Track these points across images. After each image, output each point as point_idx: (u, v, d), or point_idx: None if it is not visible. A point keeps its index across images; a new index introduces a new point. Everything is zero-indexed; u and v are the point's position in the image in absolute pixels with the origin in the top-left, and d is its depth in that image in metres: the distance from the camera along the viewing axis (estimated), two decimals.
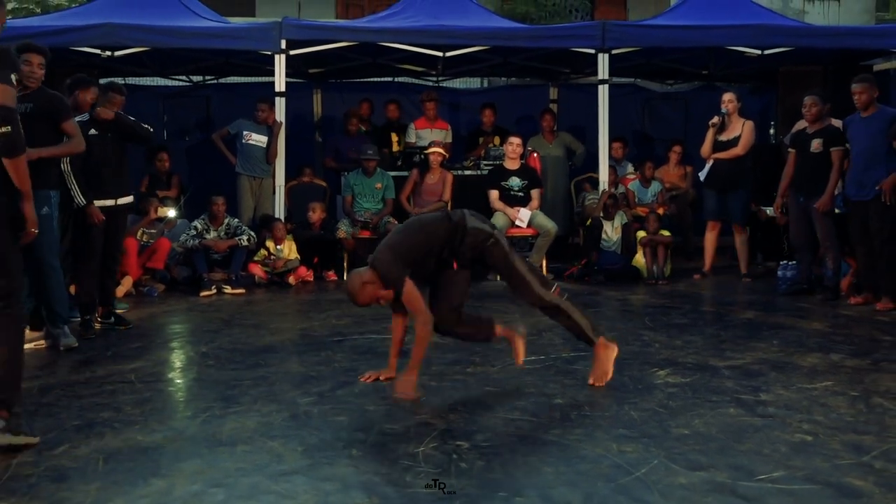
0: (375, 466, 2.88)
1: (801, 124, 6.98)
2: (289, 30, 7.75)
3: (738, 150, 7.32)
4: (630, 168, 9.22)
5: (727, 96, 7.48)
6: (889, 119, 6.02)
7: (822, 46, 8.19)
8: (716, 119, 7.43)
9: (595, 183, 8.51)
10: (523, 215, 7.69)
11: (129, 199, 5.70)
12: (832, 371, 4.20)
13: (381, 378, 4.03)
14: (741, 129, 7.36)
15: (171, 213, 7.48)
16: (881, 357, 4.50)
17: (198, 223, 7.31)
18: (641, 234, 7.60)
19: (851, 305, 6.13)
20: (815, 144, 6.55)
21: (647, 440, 3.13)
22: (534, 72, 10.55)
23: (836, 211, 6.46)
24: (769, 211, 7.74)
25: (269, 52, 7.81)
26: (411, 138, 8.96)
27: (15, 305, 3.22)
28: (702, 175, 7.61)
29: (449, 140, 8.92)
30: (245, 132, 8.09)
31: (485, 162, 8.51)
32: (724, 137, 7.42)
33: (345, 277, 7.69)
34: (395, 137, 9.19)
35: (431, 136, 8.72)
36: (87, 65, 8.09)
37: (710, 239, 7.68)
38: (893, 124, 5.93)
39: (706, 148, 7.49)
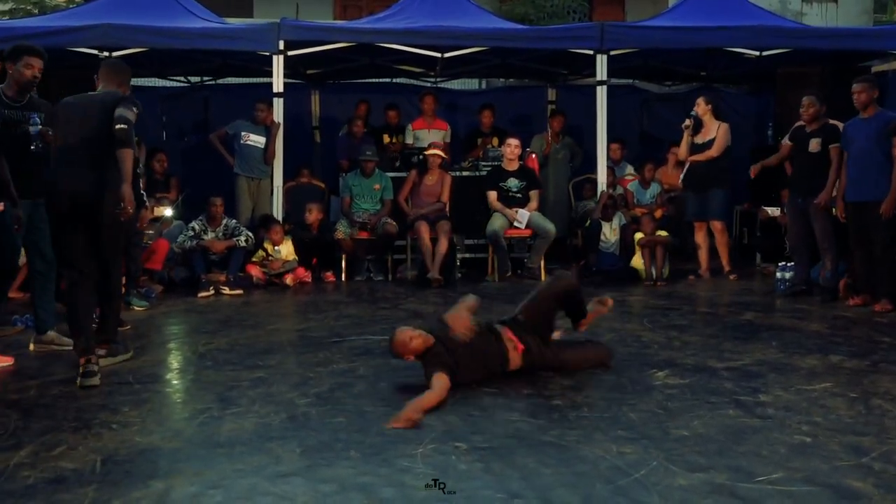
0: (374, 468, 2.87)
1: (801, 122, 6.99)
2: (287, 30, 7.76)
3: (711, 153, 7.49)
4: (629, 169, 9.22)
5: (699, 100, 7.68)
6: (887, 122, 6.01)
7: (821, 48, 8.20)
8: (687, 122, 7.63)
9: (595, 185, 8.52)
10: (522, 216, 7.68)
11: None
12: (831, 372, 4.20)
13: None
14: (716, 132, 7.51)
15: (168, 212, 7.47)
16: (880, 358, 4.49)
17: (196, 224, 7.30)
18: (639, 235, 7.60)
19: (850, 307, 6.12)
20: (814, 144, 6.57)
21: (646, 441, 3.12)
22: (532, 73, 10.56)
23: (834, 211, 6.46)
24: (770, 211, 7.75)
25: (268, 53, 7.82)
26: (409, 139, 8.94)
27: (116, 273, 4.37)
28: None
29: (448, 140, 8.91)
30: (243, 133, 8.09)
31: (483, 163, 8.50)
32: (699, 140, 7.59)
33: (343, 278, 7.71)
34: (386, 139, 9.15)
35: (430, 137, 8.70)
36: (85, 66, 8.04)
37: (699, 239, 7.71)
38: (891, 124, 5.93)
39: (682, 150, 7.71)
